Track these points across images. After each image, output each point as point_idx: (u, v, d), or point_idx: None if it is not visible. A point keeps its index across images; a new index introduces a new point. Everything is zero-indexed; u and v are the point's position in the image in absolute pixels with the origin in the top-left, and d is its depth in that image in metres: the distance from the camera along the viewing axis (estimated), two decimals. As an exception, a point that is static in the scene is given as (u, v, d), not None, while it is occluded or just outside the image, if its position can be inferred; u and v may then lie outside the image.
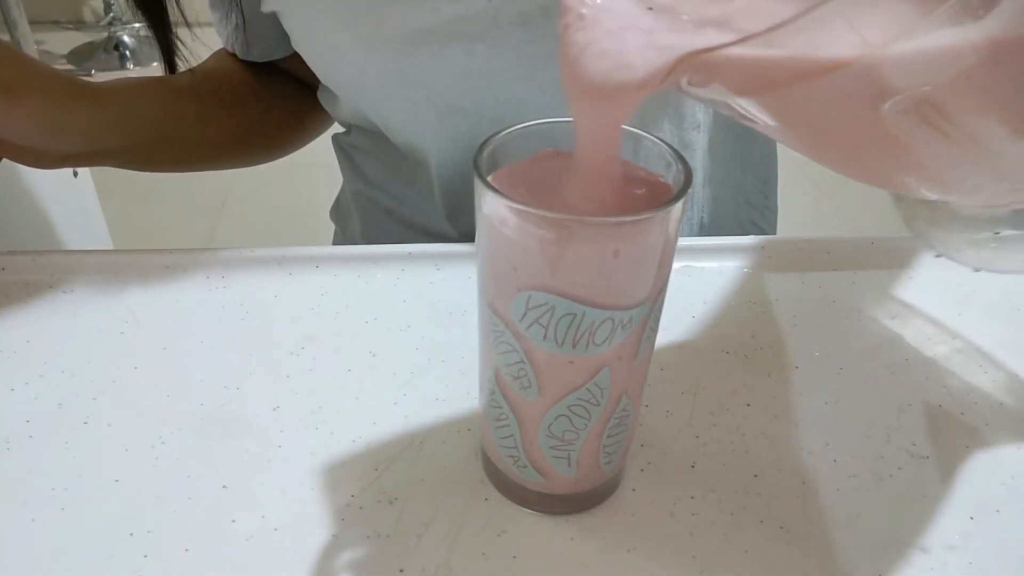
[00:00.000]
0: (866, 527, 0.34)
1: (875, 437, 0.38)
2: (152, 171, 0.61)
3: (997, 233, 0.33)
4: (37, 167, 0.49)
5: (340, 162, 0.67)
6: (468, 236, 0.60)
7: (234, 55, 0.63)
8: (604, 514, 0.34)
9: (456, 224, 0.60)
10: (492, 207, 0.27)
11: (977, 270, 0.38)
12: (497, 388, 0.32)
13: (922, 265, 0.49)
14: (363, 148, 0.63)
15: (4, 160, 0.50)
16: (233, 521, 0.34)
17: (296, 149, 0.70)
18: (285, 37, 0.56)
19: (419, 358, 0.42)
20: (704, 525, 0.34)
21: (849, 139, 0.28)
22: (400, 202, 0.62)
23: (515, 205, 0.26)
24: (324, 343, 0.43)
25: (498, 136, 0.30)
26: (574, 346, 0.29)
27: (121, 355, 0.42)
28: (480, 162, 0.29)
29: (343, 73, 0.54)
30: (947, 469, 0.37)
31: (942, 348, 0.43)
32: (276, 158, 0.69)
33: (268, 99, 0.64)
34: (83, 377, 0.41)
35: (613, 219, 0.26)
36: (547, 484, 0.34)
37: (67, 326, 0.44)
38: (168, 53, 0.60)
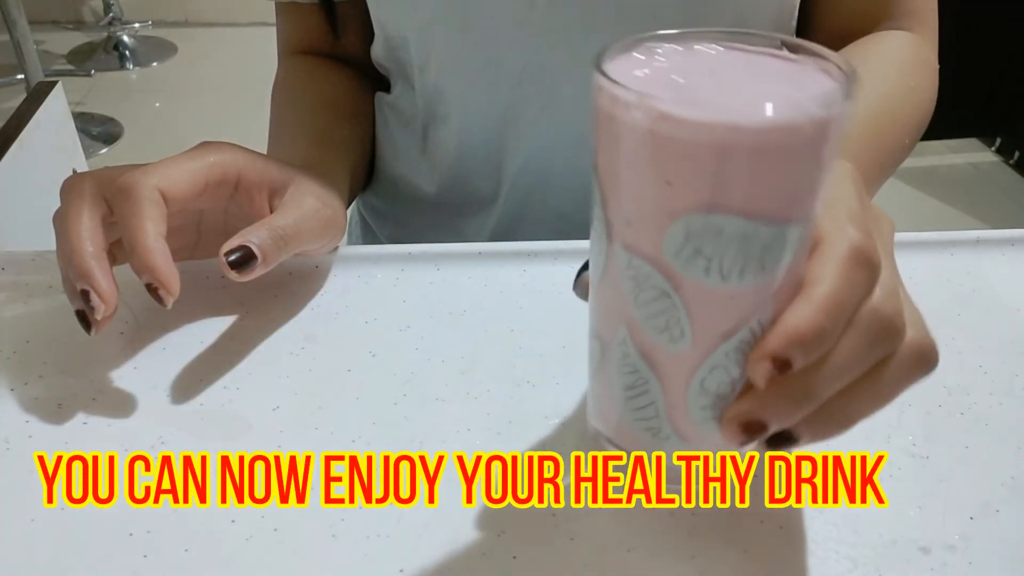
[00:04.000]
0: (866, 527, 0.34)
1: (875, 437, 0.38)
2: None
3: None
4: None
5: (378, 127, 0.65)
6: (465, 204, 0.60)
7: (304, 56, 0.63)
8: (604, 514, 0.34)
9: (459, 191, 0.59)
10: (643, 118, 0.24)
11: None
12: (633, 349, 0.28)
13: (922, 265, 0.49)
14: (393, 107, 0.62)
15: (3, 160, 0.50)
16: (233, 521, 0.34)
17: None
18: None
19: (419, 358, 0.42)
20: (704, 525, 0.34)
21: None
22: (410, 169, 0.62)
23: (681, 111, 0.23)
24: (324, 343, 0.43)
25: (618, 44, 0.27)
26: (741, 275, 0.25)
27: (121, 355, 0.42)
28: (605, 67, 0.25)
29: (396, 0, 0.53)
30: (947, 469, 0.37)
31: (942, 348, 0.43)
32: None
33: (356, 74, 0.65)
34: (83, 377, 0.40)
35: (796, 115, 0.23)
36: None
37: (67, 326, 0.43)
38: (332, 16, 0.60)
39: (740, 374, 0.28)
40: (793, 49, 0.27)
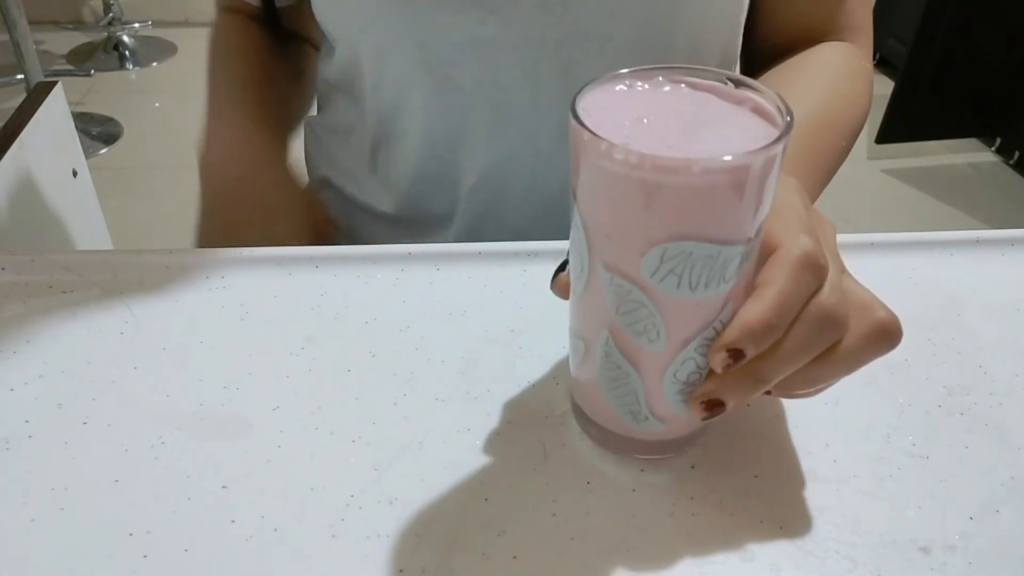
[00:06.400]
0: (866, 527, 0.34)
1: (875, 437, 0.38)
2: None
3: None
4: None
5: (311, 148, 0.67)
6: (420, 222, 0.60)
7: (237, 15, 0.65)
8: (604, 514, 0.34)
9: (414, 209, 0.59)
10: (620, 165, 0.27)
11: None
12: (615, 349, 0.32)
13: (922, 265, 0.49)
14: (336, 130, 0.63)
15: (3, 160, 0.50)
16: (233, 521, 0.34)
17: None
18: None
19: (419, 358, 0.42)
20: (704, 525, 0.34)
21: None
22: (362, 189, 0.62)
23: (656, 157, 0.26)
24: (324, 343, 0.43)
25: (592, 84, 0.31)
26: (707, 286, 0.29)
27: (121, 355, 0.42)
28: (582, 118, 0.28)
29: (349, 19, 0.54)
30: (947, 469, 0.37)
31: (942, 348, 0.43)
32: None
33: (287, 58, 0.67)
34: (83, 377, 0.41)
35: (751, 153, 0.27)
36: (667, 431, 0.35)
37: (67, 326, 0.44)
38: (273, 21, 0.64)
39: (706, 363, 0.32)
40: (736, 85, 0.31)
